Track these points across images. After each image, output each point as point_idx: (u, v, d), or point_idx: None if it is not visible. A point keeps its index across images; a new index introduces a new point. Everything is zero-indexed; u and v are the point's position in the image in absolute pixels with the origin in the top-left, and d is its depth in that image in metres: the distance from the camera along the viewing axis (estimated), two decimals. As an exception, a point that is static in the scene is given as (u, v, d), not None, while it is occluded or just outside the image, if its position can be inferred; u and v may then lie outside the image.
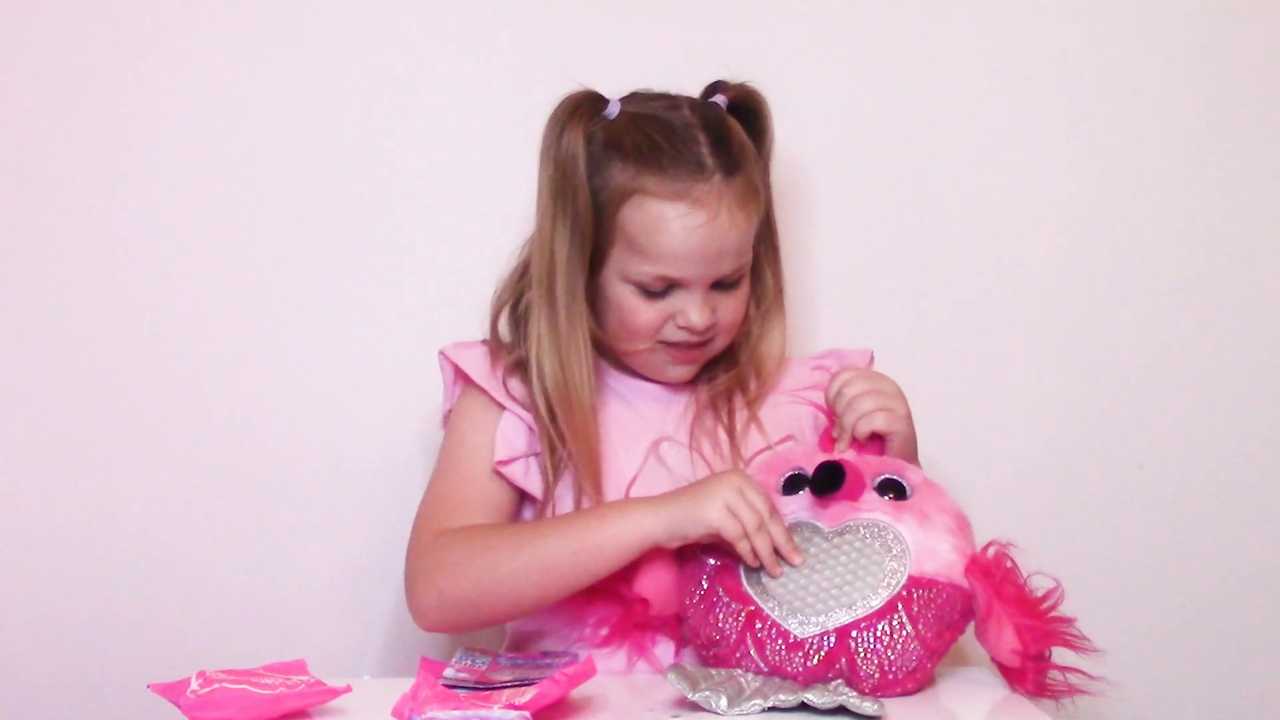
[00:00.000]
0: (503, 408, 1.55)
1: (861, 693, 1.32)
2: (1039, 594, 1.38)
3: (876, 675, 1.35)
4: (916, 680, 1.37)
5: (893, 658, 1.35)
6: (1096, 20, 1.82)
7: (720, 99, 1.57)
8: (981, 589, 1.37)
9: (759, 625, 1.38)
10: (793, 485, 1.47)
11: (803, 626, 1.36)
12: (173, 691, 1.28)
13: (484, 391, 1.56)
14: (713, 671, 1.34)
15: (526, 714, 1.24)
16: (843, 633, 1.36)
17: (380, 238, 1.75)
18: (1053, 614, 1.37)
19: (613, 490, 1.53)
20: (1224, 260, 1.84)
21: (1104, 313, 1.83)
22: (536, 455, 1.54)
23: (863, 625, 1.35)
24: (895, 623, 1.35)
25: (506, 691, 1.30)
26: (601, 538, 1.43)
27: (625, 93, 1.55)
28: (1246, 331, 1.85)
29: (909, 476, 1.46)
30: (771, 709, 1.28)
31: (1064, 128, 1.82)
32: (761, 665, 1.37)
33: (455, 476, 1.55)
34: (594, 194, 1.51)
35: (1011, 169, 1.82)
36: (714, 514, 1.40)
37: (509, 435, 1.54)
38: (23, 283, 1.72)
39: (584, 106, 1.53)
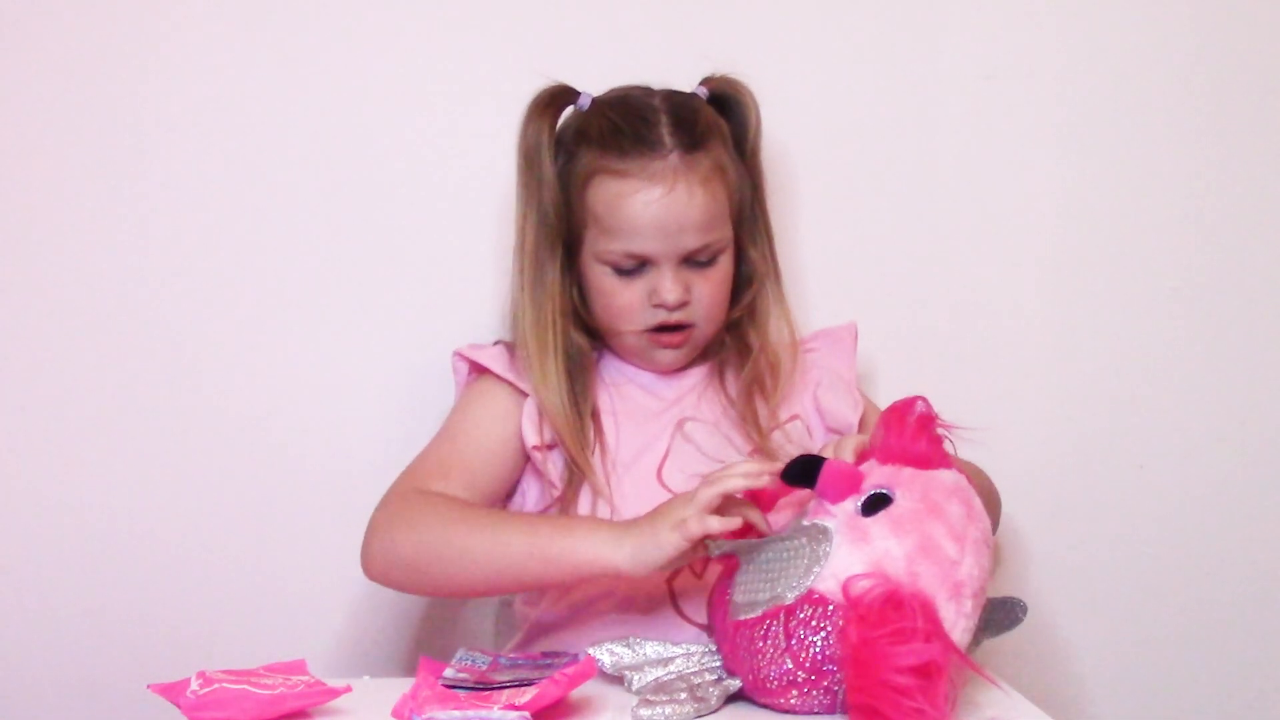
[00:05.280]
0: (525, 395, 1.56)
1: (746, 691, 1.33)
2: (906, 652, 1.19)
3: (750, 677, 1.33)
4: (799, 698, 1.30)
5: (761, 664, 1.31)
6: (1095, 17, 1.82)
7: (701, 90, 1.60)
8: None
9: (722, 595, 1.38)
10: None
11: (734, 612, 1.35)
12: (173, 691, 1.29)
13: (506, 381, 1.57)
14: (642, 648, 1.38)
15: (526, 714, 1.24)
16: (735, 628, 1.34)
17: (384, 240, 1.75)
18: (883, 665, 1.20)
19: (643, 470, 1.54)
20: (1224, 260, 1.84)
21: (1104, 313, 1.83)
22: (553, 447, 1.55)
23: (745, 627, 1.33)
24: (772, 630, 1.31)
25: (506, 691, 1.30)
26: (559, 550, 1.41)
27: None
28: (1246, 331, 1.85)
29: (900, 494, 1.33)
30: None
31: (1063, 125, 1.82)
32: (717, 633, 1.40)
33: (449, 445, 1.57)
34: (565, 182, 1.54)
35: (1010, 168, 1.82)
36: (669, 543, 1.37)
37: (536, 421, 1.55)
38: (25, 281, 1.72)
39: (550, 100, 1.57)
